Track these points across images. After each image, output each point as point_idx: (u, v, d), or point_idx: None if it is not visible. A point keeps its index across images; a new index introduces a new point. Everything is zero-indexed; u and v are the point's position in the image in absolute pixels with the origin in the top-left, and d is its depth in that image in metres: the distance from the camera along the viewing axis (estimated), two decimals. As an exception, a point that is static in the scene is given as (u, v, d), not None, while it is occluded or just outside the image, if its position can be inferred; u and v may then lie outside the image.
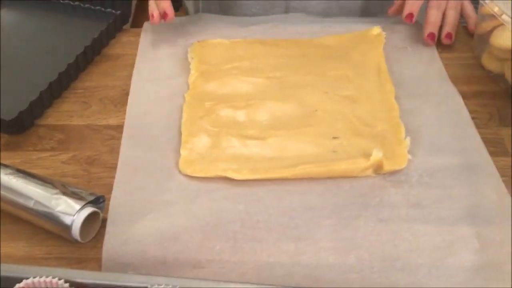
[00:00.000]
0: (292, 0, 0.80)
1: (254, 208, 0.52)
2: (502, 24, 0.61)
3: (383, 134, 0.59)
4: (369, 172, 0.55)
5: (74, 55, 0.67)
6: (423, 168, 0.55)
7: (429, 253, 0.48)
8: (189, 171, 0.55)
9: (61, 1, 0.80)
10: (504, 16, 0.57)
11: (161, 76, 0.67)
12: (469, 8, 0.75)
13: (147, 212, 0.51)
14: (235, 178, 0.54)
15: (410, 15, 0.70)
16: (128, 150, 0.58)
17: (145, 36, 0.73)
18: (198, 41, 0.71)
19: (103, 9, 0.79)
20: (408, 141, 0.57)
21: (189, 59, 0.68)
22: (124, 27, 0.77)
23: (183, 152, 0.57)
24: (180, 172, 0.55)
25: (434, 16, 0.71)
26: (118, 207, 0.52)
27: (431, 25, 0.71)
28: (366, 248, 0.49)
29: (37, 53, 0.72)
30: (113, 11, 0.78)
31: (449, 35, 0.71)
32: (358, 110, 0.61)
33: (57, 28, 0.77)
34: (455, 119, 0.61)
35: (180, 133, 0.59)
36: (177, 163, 0.56)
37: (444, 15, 0.71)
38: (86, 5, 0.79)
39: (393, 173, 0.55)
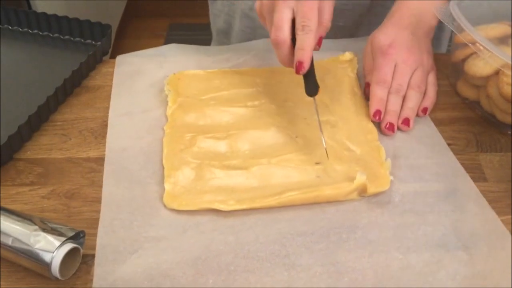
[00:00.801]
0: None
1: (244, 238, 0.52)
2: (475, 53, 0.62)
3: (363, 157, 0.60)
4: (354, 195, 0.56)
5: (53, 87, 0.66)
6: (404, 188, 0.57)
7: (421, 269, 0.49)
8: (175, 205, 0.54)
9: (40, 32, 0.80)
10: (477, 45, 0.59)
11: (138, 110, 0.66)
12: (431, 89, 0.66)
13: (134, 250, 0.50)
14: (222, 209, 0.54)
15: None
16: (110, 187, 0.56)
17: (119, 70, 0.73)
18: (174, 73, 0.70)
19: (82, 40, 0.79)
20: (389, 162, 0.58)
21: (166, 92, 0.68)
22: (104, 58, 0.77)
23: (167, 186, 0.56)
24: (165, 206, 0.55)
25: (392, 103, 0.63)
26: (105, 247, 0.50)
27: (390, 114, 0.63)
28: (359, 270, 0.49)
29: (16, 86, 0.72)
30: (93, 42, 0.78)
31: (406, 121, 0.63)
32: (337, 135, 0.62)
33: (37, 60, 0.77)
34: (429, 140, 0.63)
35: (162, 167, 0.58)
36: (161, 198, 0.55)
37: (404, 98, 0.64)
38: (66, 37, 0.79)
39: (376, 195, 0.56)
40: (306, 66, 0.58)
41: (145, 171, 0.58)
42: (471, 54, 0.65)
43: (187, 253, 0.50)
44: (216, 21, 0.96)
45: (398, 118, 0.63)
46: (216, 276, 0.48)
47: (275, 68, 0.72)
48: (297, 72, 0.58)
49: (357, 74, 0.71)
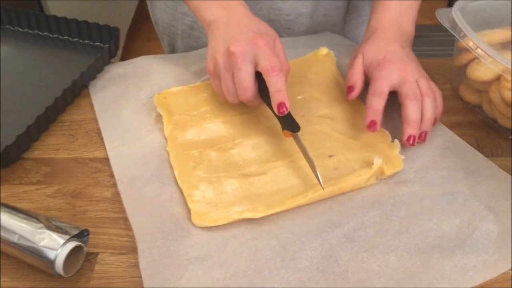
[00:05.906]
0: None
1: (286, 240, 0.52)
2: (477, 58, 0.62)
3: (371, 142, 0.62)
4: (372, 180, 0.57)
5: (61, 88, 0.68)
6: (415, 165, 0.59)
7: (456, 234, 0.52)
8: (206, 223, 0.53)
9: (50, 35, 0.82)
10: (478, 50, 0.59)
11: (134, 137, 0.64)
12: (438, 97, 0.63)
13: (181, 274, 0.49)
14: (254, 217, 0.54)
15: (373, 123, 0.60)
16: (137, 218, 0.55)
17: (97, 99, 0.70)
18: (158, 93, 0.68)
19: (91, 42, 0.80)
20: (397, 143, 0.60)
21: (160, 112, 0.66)
22: (112, 60, 0.78)
23: (192, 206, 0.55)
24: (195, 226, 0.54)
25: (414, 112, 0.60)
26: (151, 277, 0.49)
27: (412, 126, 0.60)
28: (402, 246, 0.52)
29: (25, 87, 0.73)
30: (101, 44, 0.79)
31: (424, 135, 0.61)
32: (338, 126, 0.64)
33: (46, 61, 0.78)
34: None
35: (178, 188, 0.57)
36: (188, 218, 0.54)
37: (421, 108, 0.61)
38: (75, 39, 0.81)
39: (392, 176, 0.58)
40: (288, 105, 0.57)
41: (164, 195, 0.57)
42: (474, 59, 0.66)
43: (236, 266, 0.50)
44: (163, 43, 0.97)
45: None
46: (270, 282, 0.49)
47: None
48: (280, 112, 0.57)
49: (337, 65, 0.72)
